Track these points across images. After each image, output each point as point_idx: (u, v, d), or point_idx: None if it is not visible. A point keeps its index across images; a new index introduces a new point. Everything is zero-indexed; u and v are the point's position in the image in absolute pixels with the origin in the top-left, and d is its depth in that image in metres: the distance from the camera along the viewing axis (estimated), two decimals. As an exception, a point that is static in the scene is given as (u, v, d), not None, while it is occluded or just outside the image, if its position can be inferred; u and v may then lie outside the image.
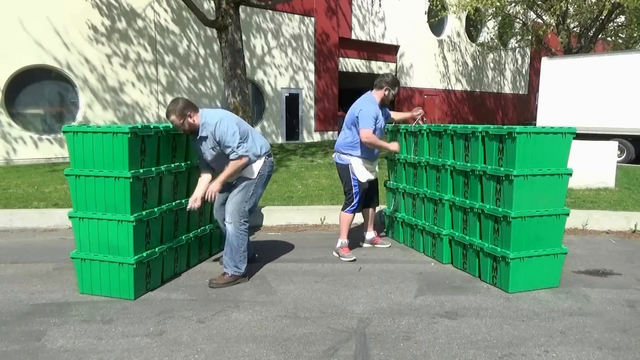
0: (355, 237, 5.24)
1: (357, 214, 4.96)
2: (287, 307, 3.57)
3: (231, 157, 3.84)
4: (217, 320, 3.32)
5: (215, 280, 3.99)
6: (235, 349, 2.93)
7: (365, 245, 5.21)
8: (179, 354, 2.86)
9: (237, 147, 3.83)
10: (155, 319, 3.33)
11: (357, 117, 4.60)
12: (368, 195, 4.94)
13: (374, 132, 4.63)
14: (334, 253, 4.84)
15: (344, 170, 4.80)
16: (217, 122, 3.82)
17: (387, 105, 4.91)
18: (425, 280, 4.16)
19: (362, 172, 4.74)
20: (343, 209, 4.83)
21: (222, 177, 3.92)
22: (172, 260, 4.14)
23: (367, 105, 4.63)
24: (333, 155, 4.99)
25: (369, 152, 4.75)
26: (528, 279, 3.88)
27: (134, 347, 2.95)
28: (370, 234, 5.21)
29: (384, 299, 3.72)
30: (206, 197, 3.94)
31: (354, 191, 4.74)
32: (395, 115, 5.16)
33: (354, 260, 4.66)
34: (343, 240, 4.81)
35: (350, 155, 4.72)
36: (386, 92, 4.73)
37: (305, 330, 3.19)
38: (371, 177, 4.84)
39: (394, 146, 5.04)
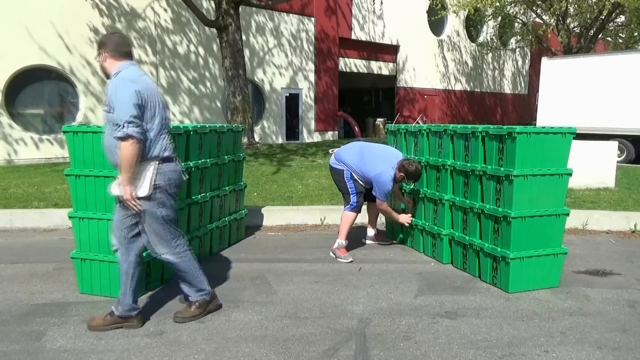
0: (356, 235, 5.24)
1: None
2: (287, 307, 3.57)
3: (116, 133, 2.86)
4: (217, 320, 3.32)
5: (181, 314, 3.32)
6: (235, 349, 2.93)
7: (367, 242, 5.24)
8: (179, 354, 2.86)
9: (129, 122, 2.84)
10: (155, 319, 3.33)
11: (372, 182, 4.60)
12: (371, 191, 4.81)
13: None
14: (331, 254, 4.79)
15: (339, 175, 4.78)
16: (123, 82, 2.93)
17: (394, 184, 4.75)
18: (425, 280, 4.16)
19: (358, 179, 4.73)
20: (344, 209, 4.79)
21: (121, 175, 2.96)
22: (172, 260, 4.13)
23: (385, 181, 4.53)
24: (329, 159, 4.97)
25: (364, 181, 4.72)
26: (528, 279, 3.88)
27: (134, 347, 2.95)
28: (371, 231, 5.23)
29: (384, 299, 3.72)
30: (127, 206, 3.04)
31: (351, 192, 4.72)
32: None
33: (351, 261, 4.61)
34: (341, 241, 4.75)
35: (348, 170, 4.72)
36: (400, 178, 4.63)
37: (305, 330, 3.19)
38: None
39: (405, 219, 4.89)
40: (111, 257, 3.65)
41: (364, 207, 5.08)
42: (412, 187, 5.03)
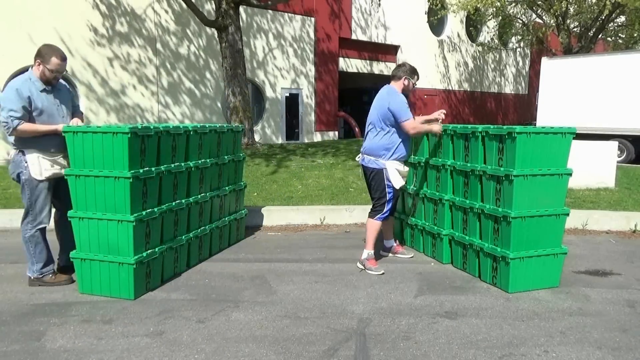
0: (357, 236, 5.23)
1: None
2: (287, 307, 3.57)
3: None
4: (217, 320, 3.32)
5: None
6: (235, 349, 2.93)
7: (383, 254, 4.87)
8: (179, 354, 2.86)
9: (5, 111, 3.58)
10: (155, 319, 3.33)
11: (390, 111, 4.24)
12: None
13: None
14: (359, 265, 4.43)
15: (378, 176, 4.36)
16: (11, 83, 3.66)
17: (408, 95, 4.48)
18: (425, 280, 4.16)
19: (397, 178, 4.34)
20: (372, 217, 4.41)
21: None
22: (172, 260, 4.14)
23: (395, 97, 4.28)
24: (358, 158, 4.60)
25: (407, 151, 4.41)
26: (528, 279, 3.88)
27: (134, 347, 2.95)
28: (390, 242, 4.89)
29: (384, 299, 3.72)
30: None
31: (387, 198, 4.35)
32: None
33: (383, 273, 4.28)
34: (370, 251, 4.40)
35: (386, 157, 4.32)
36: (405, 82, 4.39)
37: (305, 330, 3.19)
38: (403, 182, 4.43)
39: (437, 127, 4.48)
40: (111, 257, 3.65)
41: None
42: (413, 187, 4.92)
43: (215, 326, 3.24)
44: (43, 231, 3.89)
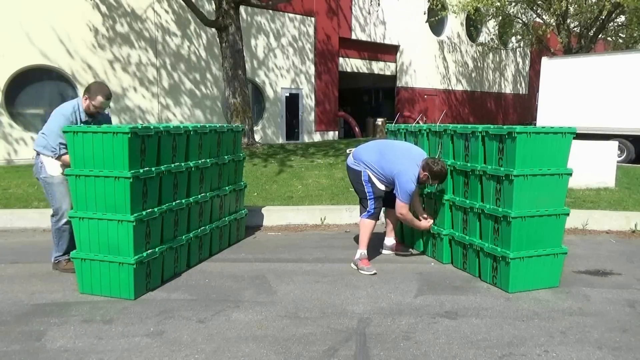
0: (355, 235, 5.22)
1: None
2: (287, 307, 3.57)
3: None
4: (217, 320, 3.32)
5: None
6: (235, 349, 2.93)
7: (384, 252, 4.85)
8: (179, 354, 2.86)
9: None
10: (155, 319, 3.33)
11: (396, 179, 4.23)
12: (390, 196, 4.45)
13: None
14: (352, 265, 4.43)
15: (357, 176, 4.42)
16: (61, 110, 4.23)
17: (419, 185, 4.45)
18: (425, 280, 4.16)
19: (377, 182, 4.38)
20: (361, 216, 4.46)
21: None
22: (172, 260, 4.14)
23: (408, 180, 4.19)
24: (347, 159, 4.61)
25: (386, 181, 4.38)
26: (528, 279, 3.88)
27: (134, 347, 2.95)
28: (390, 240, 4.85)
29: (384, 299, 3.72)
30: None
31: (368, 197, 4.37)
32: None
33: (375, 274, 4.26)
34: (362, 251, 4.38)
35: (367, 169, 4.38)
36: (424, 178, 4.29)
37: (305, 330, 3.19)
38: (383, 188, 4.42)
39: (425, 224, 4.56)
40: (111, 257, 3.65)
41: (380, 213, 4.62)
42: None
43: (215, 326, 3.24)
44: (68, 223, 4.11)
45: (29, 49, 11.80)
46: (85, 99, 4.21)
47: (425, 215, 4.62)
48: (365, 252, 4.40)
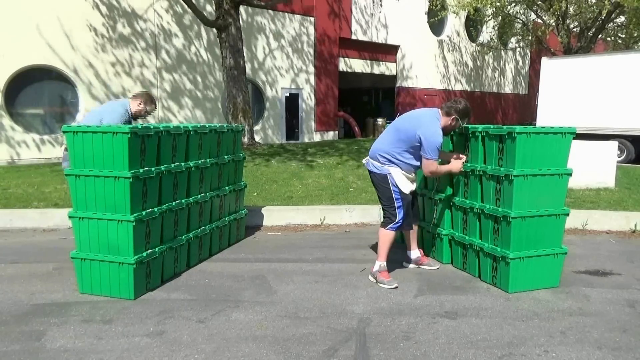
0: (357, 235, 5.22)
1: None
2: (287, 307, 3.57)
3: None
4: (217, 320, 3.32)
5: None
6: (235, 349, 2.93)
7: (410, 266, 4.51)
8: (179, 354, 2.86)
9: None
10: (155, 319, 3.33)
11: (419, 137, 3.91)
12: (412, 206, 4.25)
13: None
14: (370, 277, 4.13)
15: (382, 180, 4.08)
16: (114, 106, 4.82)
17: (447, 135, 4.20)
18: (425, 280, 4.16)
19: (404, 182, 4.05)
20: (383, 226, 4.10)
21: None
22: (172, 260, 4.14)
23: (434, 132, 3.91)
24: (364, 162, 4.32)
25: (414, 168, 4.12)
26: (528, 279, 3.88)
27: (134, 347, 2.95)
28: (415, 253, 4.51)
29: (384, 299, 3.72)
30: None
31: (396, 205, 4.04)
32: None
33: (396, 287, 3.96)
34: (382, 262, 4.08)
35: (390, 164, 4.06)
36: (453, 123, 4.02)
37: (305, 330, 3.19)
38: (413, 187, 4.16)
39: (457, 166, 4.22)
40: (111, 257, 3.65)
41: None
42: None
43: (215, 326, 3.24)
44: None
45: (28, 49, 11.80)
46: (140, 104, 4.62)
47: (455, 156, 4.28)
48: (385, 264, 4.11)
